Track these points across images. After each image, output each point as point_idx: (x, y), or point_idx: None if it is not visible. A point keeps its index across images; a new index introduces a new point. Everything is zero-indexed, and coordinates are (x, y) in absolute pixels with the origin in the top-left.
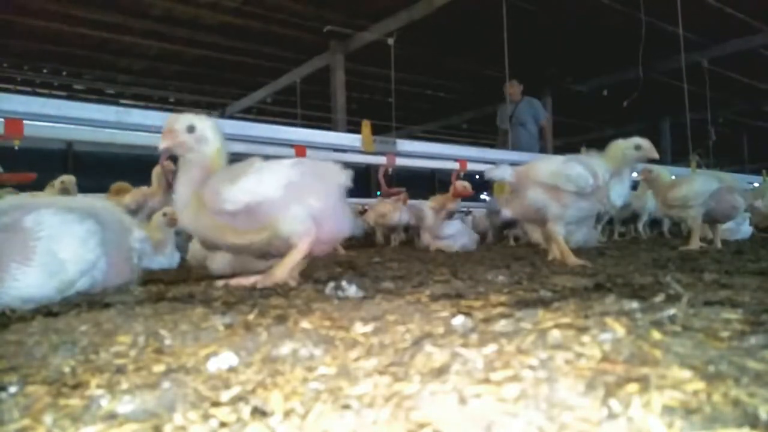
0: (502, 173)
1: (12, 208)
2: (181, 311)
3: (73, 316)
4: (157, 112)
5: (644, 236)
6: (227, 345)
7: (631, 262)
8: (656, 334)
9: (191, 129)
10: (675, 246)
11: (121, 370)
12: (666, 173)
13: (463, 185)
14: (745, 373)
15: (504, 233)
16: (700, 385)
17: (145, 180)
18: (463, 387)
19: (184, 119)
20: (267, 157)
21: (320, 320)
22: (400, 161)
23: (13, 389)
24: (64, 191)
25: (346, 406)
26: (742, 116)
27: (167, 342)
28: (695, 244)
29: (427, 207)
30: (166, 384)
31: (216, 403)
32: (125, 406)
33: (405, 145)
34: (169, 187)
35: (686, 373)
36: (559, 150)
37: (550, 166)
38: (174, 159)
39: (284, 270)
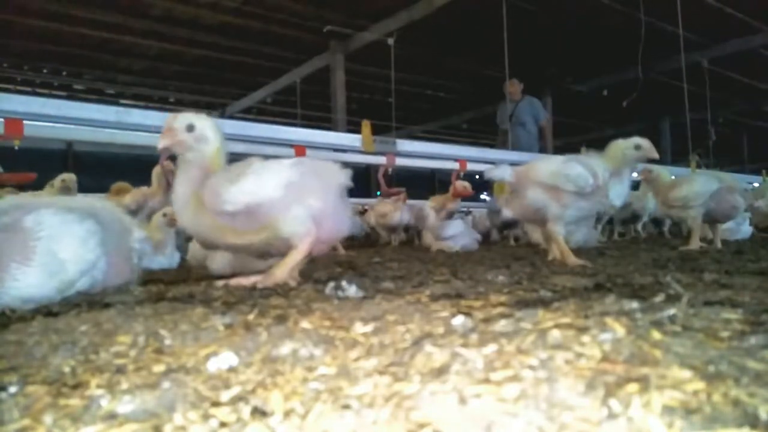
0: (502, 173)
1: (12, 208)
2: (181, 311)
3: (73, 316)
4: (157, 112)
5: (644, 236)
6: (227, 345)
7: (631, 262)
8: (656, 334)
9: (191, 128)
10: (675, 246)
11: (121, 370)
12: (666, 173)
13: (463, 185)
14: (745, 373)
15: (504, 233)
16: (700, 385)
17: (145, 180)
18: (463, 387)
19: (183, 118)
20: (267, 157)
21: (320, 320)
22: (400, 161)
23: (13, 389)
24: (66, 189)
25: (346, 406)
26: (742, 116)
27: (167, 342)
28: (695, 244)
29: (429, 207)
30: (166, 384)
31: (216, 403)
32: (125, 406)
33: (405, 145)
34: (169, 187)
35: (686, 373)
36: (559, 150)
37: (549, 166)
38: (174, 159)
39: (284, 270)
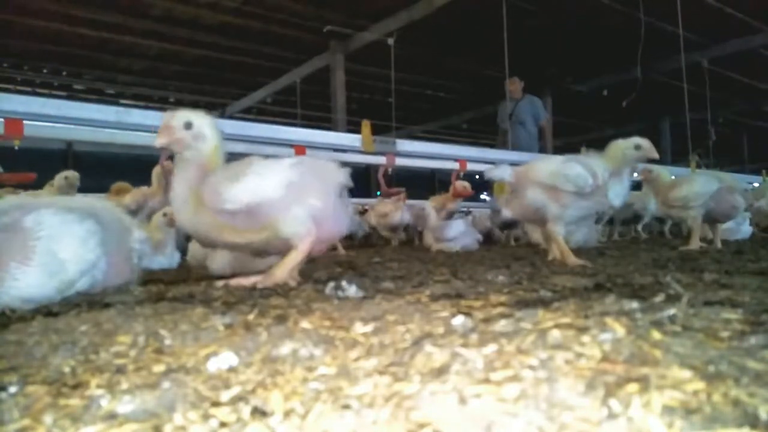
0: (502, 173)
1: (12, 208)
2: (181, 311)
3: (73, 316)
4: (157, 112)
5: (644, 236)
6: (227, 345)
7: (631, 262)
8: (656, 334)
9: (188, 126)
10: (675, 246)
11: (121, 370)
12: (666, 173)
13: (462, 185)
14: (745, 373)
15: (504, 233)
16: (700, 385)
17: (145, 180)
18: (463, 387)
19: (181, 116)
20: (267, 157)
21: (320, 320)
22: (400, 161)
23: (13, 389)
24: (69, 186)
25: (346, 406)
26: (742, 116)
27: (167, 342)
28: (695, 244)
29: (430, 207)
30: (166, 384)
31: (216, 403)
32: (125, 406)
33: (405, 145)
34: (169, 187)
35: (686, 373)
36: (559, 150)
37: (549, 166)
38: (174, 159)
39: (284, 270)
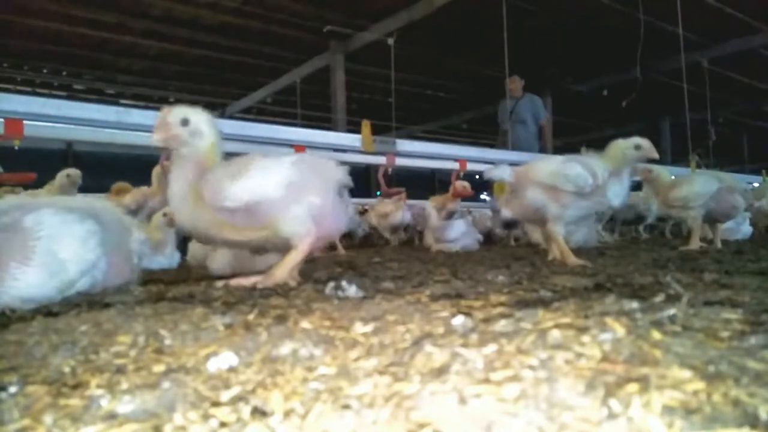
0: (502, 173)
1: (12, 208)
2: (181, 311)
3: (73, 316)
4: (157, 112)
5: (645, 236)
6: (227, 345)
7: (631, 262)
8: (656, 334)
9: (185, 122)
10: (675, 246)
11: (121, 370)
12: (666, 173)
13: (462, 185)
14: (745, 373)
15: (505, 233)
16: (700, 385)
17: (145, 180)
18: (463, 387)
19: (177, 112)
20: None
21: (320, 320)
22: (400, 161)
23: (13, 389)
24: (72, 184)
25: (346, 406)
26: (742, 116)
27: (167, 342)
28: (695, 244)
29: (430, 207)
30: (166, 384)
31: (216, 403)
32: (125, 406)
33: (405, 145)
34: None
35: (686, 373)
36: (559, 150)
37: (549, 166)
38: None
39: (284, 270)
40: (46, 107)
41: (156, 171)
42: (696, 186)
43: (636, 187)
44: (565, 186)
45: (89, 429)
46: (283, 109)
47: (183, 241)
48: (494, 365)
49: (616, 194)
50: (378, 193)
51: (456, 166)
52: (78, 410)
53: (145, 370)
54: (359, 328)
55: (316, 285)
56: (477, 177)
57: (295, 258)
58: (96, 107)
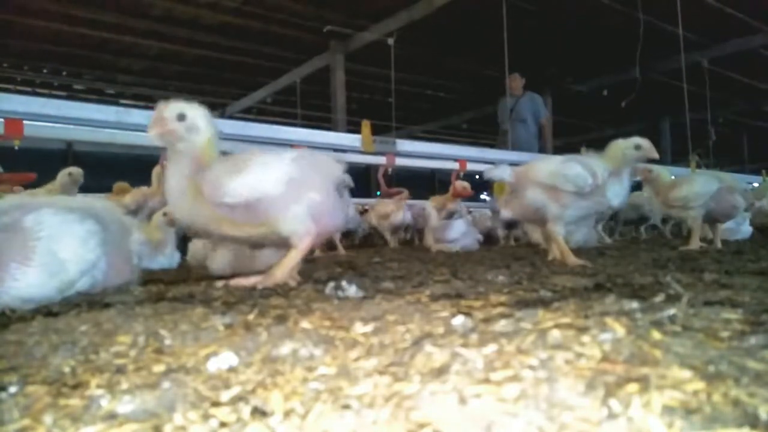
0: (502, 173)
1: (12, 208)
2: (181, 311)
3: (73, 316)
4: None
5: (644, 236)
6: (227, 345)
7: (631, 262)
8: (656, 334)
9: (181, 117)
10: (675, 246)
11: (121, 370)
12: (666, 173)
13: (462, 185)
14: (745, 373)
15: (505, 233)
16: (700, 385)
17: (145, 180)
18: (463, 387)
19: (174, 107)
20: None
21: (320, 320)
22: (400, 161)
23: (13, 389)
24: (73, 183)
25: (346, 406)
26: (742, 116)
27: (167, 342)
28: (695, 244)
29: (430, 207)
30: (166, 384)
31: (216, 403)
32: (125, 406)
33: (405, 145)
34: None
35: (686, 373)
36: (559, 150)
37: (548, 166)
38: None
39: (284, 270)
40: (46, 107)
41: (156, 171)
42: (696, 186)
43: (636, 187)
44: (565, 186)
45: (89, 429)
46: (283, 109)
47: (183, 241)
48: (494, 365)
49: (616, 194)
50: (378, 193)
51: (456, 166)
52: (78, 410)
53: (145, 370)
54: (359, 328)
55: (316, 285)
56: (477, 177)
57: (294, 258)
58: (96, 107)
